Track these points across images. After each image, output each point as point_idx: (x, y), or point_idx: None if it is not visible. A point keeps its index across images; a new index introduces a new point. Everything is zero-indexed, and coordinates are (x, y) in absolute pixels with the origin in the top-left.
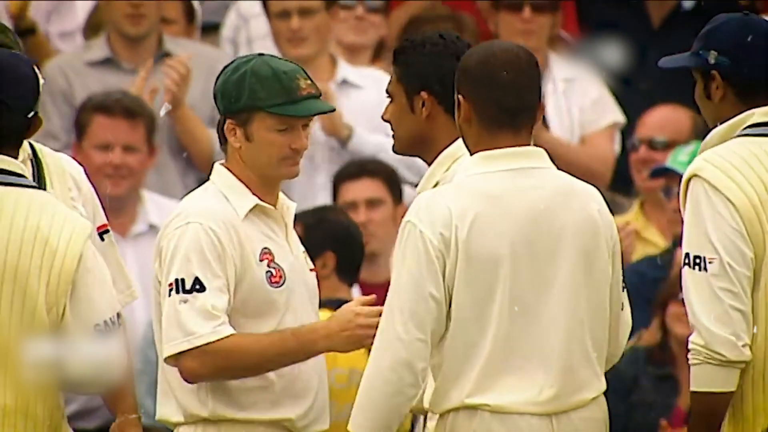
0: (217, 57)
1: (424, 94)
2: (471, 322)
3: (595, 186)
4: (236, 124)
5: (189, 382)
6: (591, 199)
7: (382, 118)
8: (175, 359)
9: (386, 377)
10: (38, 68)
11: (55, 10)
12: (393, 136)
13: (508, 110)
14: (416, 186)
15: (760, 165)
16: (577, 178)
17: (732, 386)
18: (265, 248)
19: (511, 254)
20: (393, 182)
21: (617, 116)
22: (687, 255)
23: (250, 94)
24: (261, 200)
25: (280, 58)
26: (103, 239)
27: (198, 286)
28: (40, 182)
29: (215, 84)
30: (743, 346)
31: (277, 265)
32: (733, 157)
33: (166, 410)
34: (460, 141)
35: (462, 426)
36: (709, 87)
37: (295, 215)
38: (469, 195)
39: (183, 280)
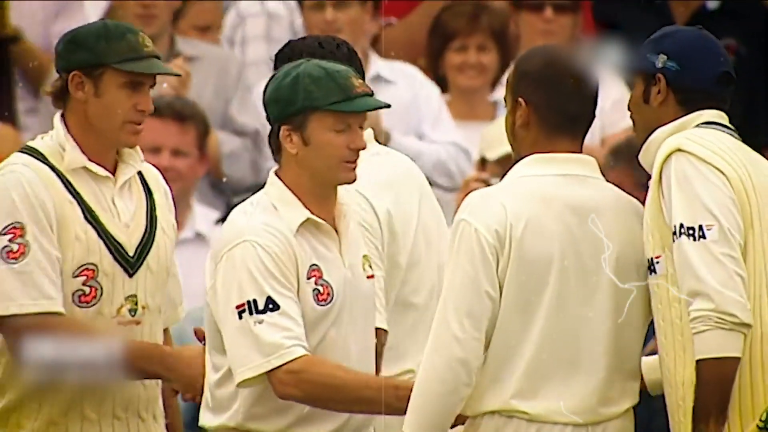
0: (228, 57)
1: None
2: (516, 323)
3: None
4: (291, 130)
5: (282, 398)
6: (636, 212)
7: None
8: (260, 380)
9: (442, 376)
10: (23, 75)
11: (62, 10)
12: None
13: (571, 116)
14: (450, 190)
15: (730, 149)
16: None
17: (740, 352)
18: (313, 265)
19: (560, 258)
20: None
21: None
22: (681, 226)
23: (305, 95)
24: (313, 213)
25: (328, 61)
26: None
27: (272, 305)
28: (147, 192)
29: (264, 93)
30: (749, 309)
31: (325, 282)
32: (711, 138)
33: (205, 417)
34: None
35: (495, 431)
36: (650, 91)
37: None
38: (522, 195)
39: (255, 301)
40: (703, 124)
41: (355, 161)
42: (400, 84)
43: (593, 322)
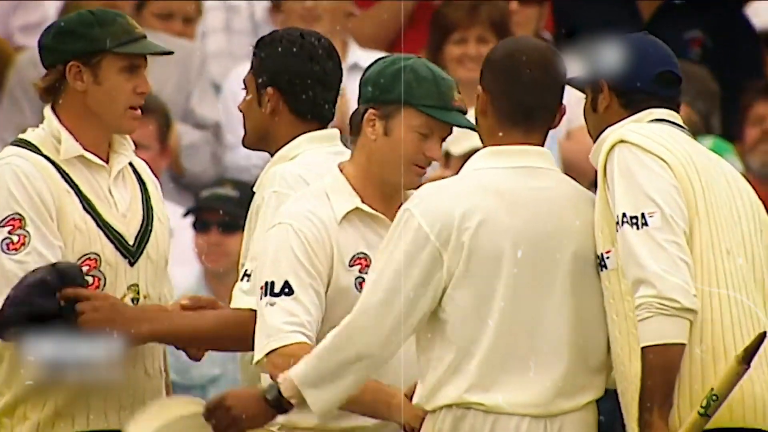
0: (191, 49)
1: (270, 90)
2: (471, 317)
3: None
4: (378, 116)
5: None
6: (591, 204)
7: (238, 108)
8: (261, 364)
9: (343, 333)
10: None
11: (20, 4)
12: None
13: (525, 108)
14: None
15: (675, 141)
16: (564, 173)
17: (685, 338)
18: (361, 253)
19: (513, 252)
20: None
21: None
22: (624, 215)
23: (405, 87)
24: (366, 203)
25: (439, 68)
26: None
27: (287, 290)
28: (140, 182)
29: (365, 72)
30: (694, 296)
31: None
32: (654, 129)
33: None
34: (296, 141)
35: (453, 423)
36: (597, 99)
37: None
38: (474, 189)
39: (273, 283)
40: (653, 120)
41: (424, 168)
42: None
43: (551, 315)
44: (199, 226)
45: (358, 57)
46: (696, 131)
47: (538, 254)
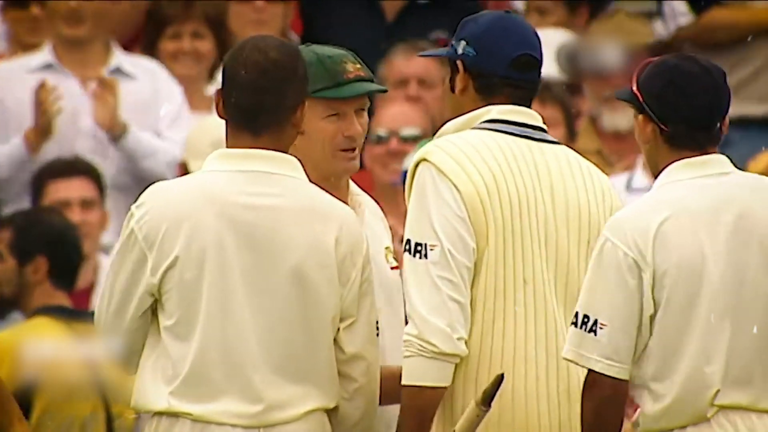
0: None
1: None
2: (181, 324)
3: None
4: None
5: None
6: (322, 216)
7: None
8: None
9: None
10: None
11: None
12: None
13: (244, 110)
14: None
15: (492, 157)
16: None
17: (445, 381)
18: None
19: (219, 256)
20: (101, 183)
21: None
22: (408, 241)
23: None
24: None
25: (329, 47)
26: None
27: None
28: None
29: None
30: (458, 339)
31: None
32: (466, 145)
33: None
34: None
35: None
36: (454, 78)
37: (5, 217)
38: (185, 194)
39: None
40: (486, 121)
41: (353, 149)
42: (141, 79)
43: (262, 324)
44: None
45: (121, 61)
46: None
47: (253, 262)
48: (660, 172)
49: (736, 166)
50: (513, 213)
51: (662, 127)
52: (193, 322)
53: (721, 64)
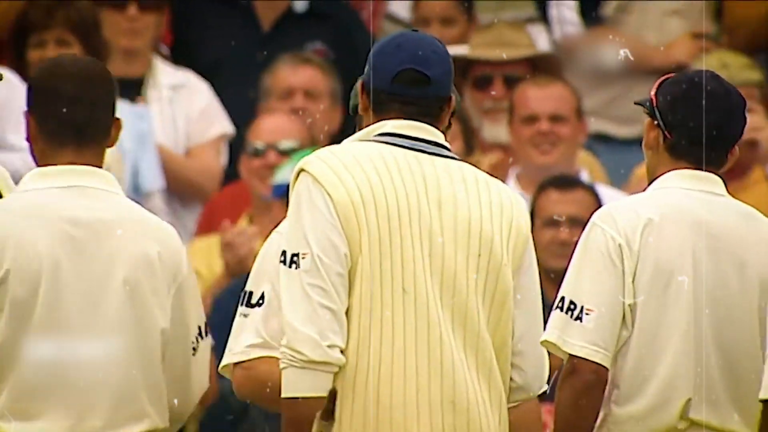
0: None
1: None
2: (8, 342)
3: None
4: None
5: None
6: (148, 231)
7: None
8: None
9: None
10: None
11: None
12: None
13: (70, 124)
14: None
15: (372, 167)
16: (182, 192)
17: (321, 391)
18: None
19: (53, 274)
20: None
21: (226, 127)
22: (284, 253)
23: None
24: None
25: None
26: None
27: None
28: None
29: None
30: (330, 346)
31: None
32: (346, 155)
33: None
34: None
35: None
36: (358, 100)
37: None
38: (17, 212)
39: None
40: (379, 135)
41: None
42: None
43: (95, 340)
44: None
45: None
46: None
47: (83, 275)
48: (655, 179)
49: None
50: (392, 223)
51: (666, 134)
52: (21, 338)
53: (587, 84)
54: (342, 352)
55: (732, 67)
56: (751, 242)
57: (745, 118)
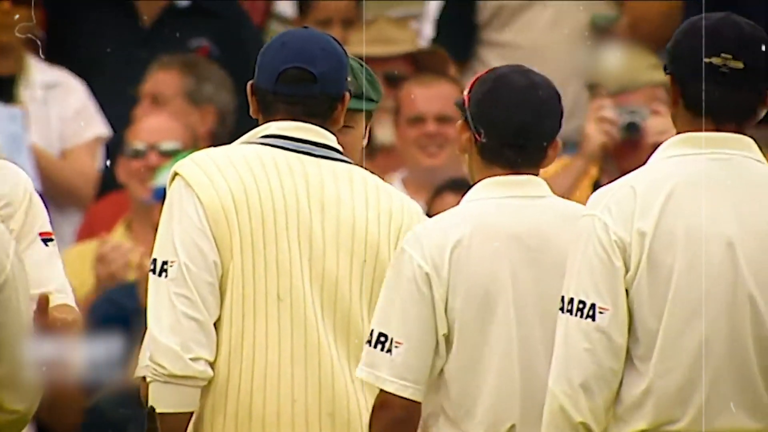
0: None
1: None
2: None
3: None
4: None
5: None
6: None
7: None
8: None
9: None
10: None
11: None
12: None
13: None
14: None
15: (248, 170)
16: (57, 196)
17: (186, 406)
18: None
19: None
20: None
21: (101, 129)
22: (154, 261)
23: None
24: None
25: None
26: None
27: None
28: None
29: None
30: (193, 359)
31: None
32: (221, 157)
33: None
34: None
35: None
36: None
37: None
38: None
39: None
40: (263, 137)
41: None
42: None
43: None
44: None
45: None
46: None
47: None
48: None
49: None
50: (266, 227)
51: (476, 136)
52: None
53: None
54: (211, 364)
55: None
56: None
57: (559, 111)
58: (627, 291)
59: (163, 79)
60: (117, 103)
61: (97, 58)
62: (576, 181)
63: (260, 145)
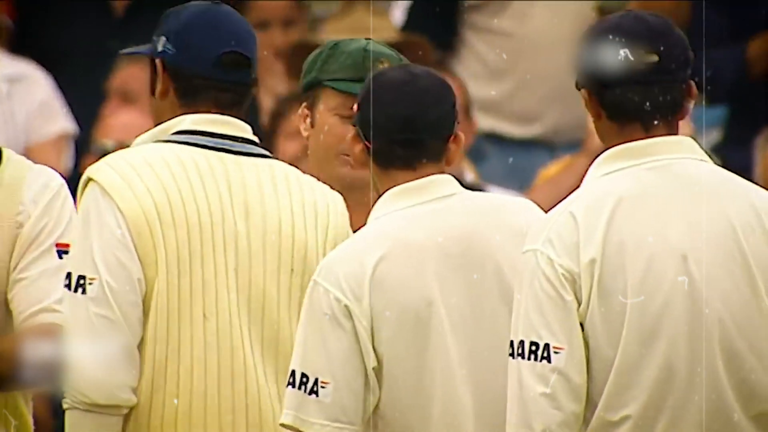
0: None
1: None
2: None
3: None
4: (307, 107)
5: None
6: None
7: None
8: None
9: None
10: None
11: None
12: None
13: None
14: None
15: (169, 174)
16: None
17: None
18: None
19: None
20: None
21: (67, 125)
22: (69, 275)
23: (320, 65)
24: None
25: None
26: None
27: None
28: None
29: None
30: (117, 387)
31: None
32: (138, 160)
33: None
34: None
35: None
36: (154, 81)
37: None
38: None
39: None
40: (176, 133)
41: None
42: None
43: None
44: None
45: None
46: None
47: None
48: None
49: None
50: (192, 238)
51: (366, 144)
52: None
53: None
54: (134, 390)
55: None
56: (500, 241)
57: (449, 100)
58: (582, 325)
59: (132, 74)
60: (86, 98)
61: (66, 50)
62: (580, 179)
63: (177, 144)
